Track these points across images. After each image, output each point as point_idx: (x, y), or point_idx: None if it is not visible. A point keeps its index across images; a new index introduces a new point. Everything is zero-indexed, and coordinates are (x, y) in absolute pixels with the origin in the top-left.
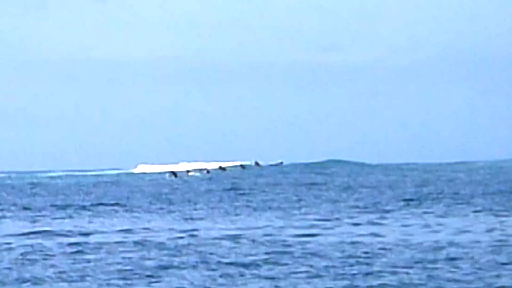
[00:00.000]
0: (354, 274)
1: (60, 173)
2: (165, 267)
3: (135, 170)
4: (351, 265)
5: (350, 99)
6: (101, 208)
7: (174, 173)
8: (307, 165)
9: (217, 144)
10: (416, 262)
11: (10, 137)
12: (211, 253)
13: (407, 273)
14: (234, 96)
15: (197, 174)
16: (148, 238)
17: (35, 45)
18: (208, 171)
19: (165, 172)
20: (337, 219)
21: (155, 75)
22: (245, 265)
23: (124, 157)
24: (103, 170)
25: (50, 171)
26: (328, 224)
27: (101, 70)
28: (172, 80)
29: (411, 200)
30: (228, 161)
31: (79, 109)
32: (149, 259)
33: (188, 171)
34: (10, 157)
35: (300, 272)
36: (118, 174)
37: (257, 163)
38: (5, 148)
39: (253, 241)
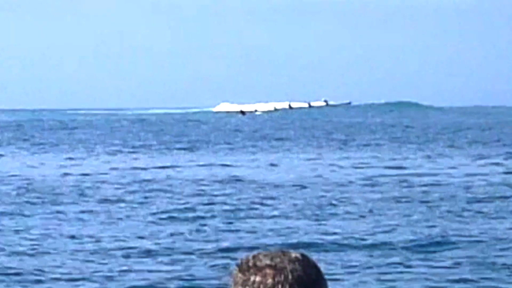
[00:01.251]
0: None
1: (149, 111)
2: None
3: (216, 109)
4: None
5: (419, 40)
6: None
7: (242, 112)
8: (375, 106)
9: (301, 83)
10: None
11: (102, 75)
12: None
13: None
14: (304, 36)
15: (259, 113)
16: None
17: None
18: (276, 109)
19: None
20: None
21: (243, 15)
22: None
23: (209, 96)
24: (185, 108)
25: (138, 109)
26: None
27: (192, 8)
28: (258, 20)
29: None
30: (311, 101)
31: (168, 48)
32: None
33: (256, 110)
34: (99, 95)
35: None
36: (198, 112)
37: (326, 102)
38: (92, 85)
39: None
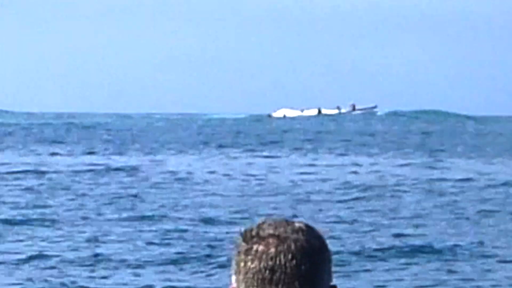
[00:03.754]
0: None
1: (215, 115)
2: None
3: (275, 114)
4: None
5: (446, 47)
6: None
7: (270, 116)
8: (402, 113)
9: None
10: None
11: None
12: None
13: None
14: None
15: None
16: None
17: None
18: (304, 114)
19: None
20: None
21: (305, 24)
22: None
23: (272, 101)
24: (239, 113)
25: (204, 114)
26: None
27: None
28: (319, 29)
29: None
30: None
31: (233, 55)
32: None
33: (284, 115)
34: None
35: None
36: (262, 116)
37: (353, 106)
38: (171, 91)
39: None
